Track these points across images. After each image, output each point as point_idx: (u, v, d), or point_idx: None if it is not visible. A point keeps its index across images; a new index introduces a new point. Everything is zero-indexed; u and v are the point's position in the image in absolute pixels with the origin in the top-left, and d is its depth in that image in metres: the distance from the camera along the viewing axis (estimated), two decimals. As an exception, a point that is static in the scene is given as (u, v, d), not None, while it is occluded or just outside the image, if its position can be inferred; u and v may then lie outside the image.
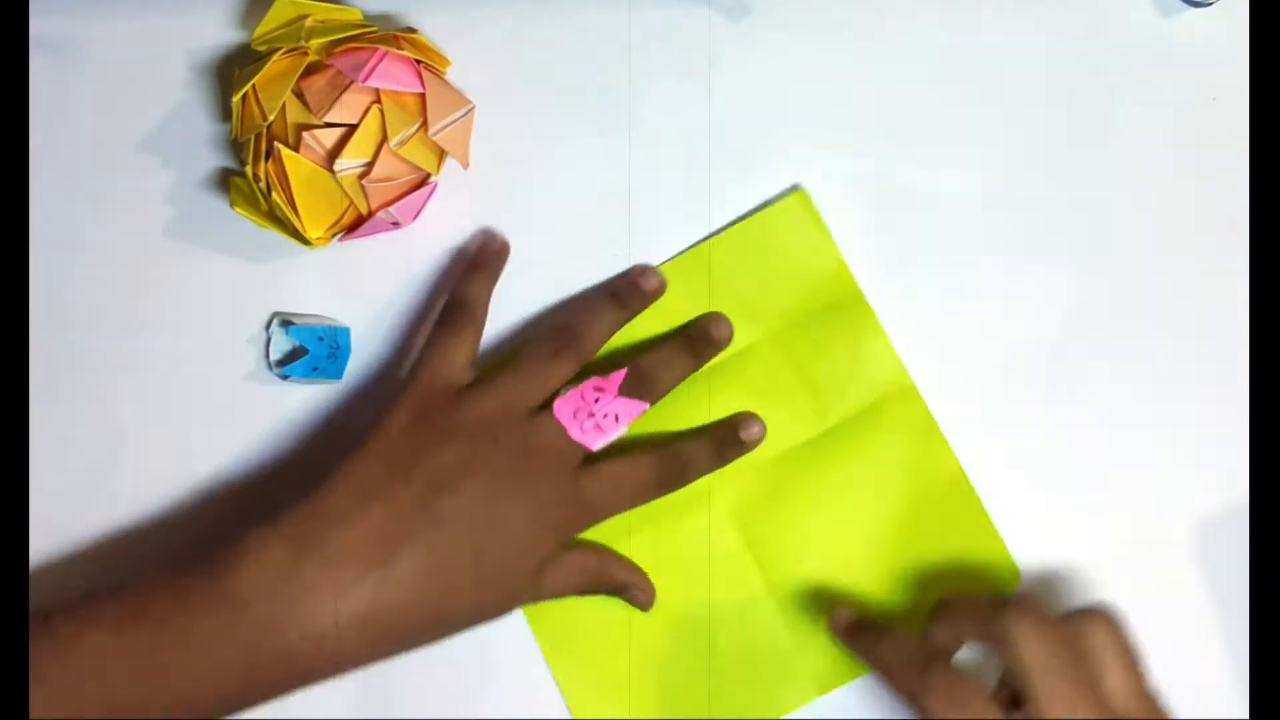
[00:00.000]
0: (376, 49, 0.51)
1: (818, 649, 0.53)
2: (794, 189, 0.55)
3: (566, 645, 0.54)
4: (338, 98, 0.51)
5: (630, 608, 0.53)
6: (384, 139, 0.51)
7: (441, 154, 0.54)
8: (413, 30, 0.54)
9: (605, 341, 0.53)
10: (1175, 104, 0.56)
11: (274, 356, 0.55)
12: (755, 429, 0.53)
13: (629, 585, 0.53)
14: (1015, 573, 0.54)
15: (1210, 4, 0.56)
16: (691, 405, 0.54)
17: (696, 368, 0.53)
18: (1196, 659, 0.54)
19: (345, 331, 0.55)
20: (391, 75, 0.51)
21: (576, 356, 0.51)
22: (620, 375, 0.51)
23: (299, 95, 0.51)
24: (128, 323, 0.55)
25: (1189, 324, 0.55)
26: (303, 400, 0.55)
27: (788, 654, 0.54)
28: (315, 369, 0.54)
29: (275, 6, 0.52)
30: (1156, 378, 0.55)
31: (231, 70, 0.55)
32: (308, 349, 0.54)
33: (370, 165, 0.51)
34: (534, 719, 0.54)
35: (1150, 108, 0.56)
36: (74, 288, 0.55)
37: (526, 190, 0.56)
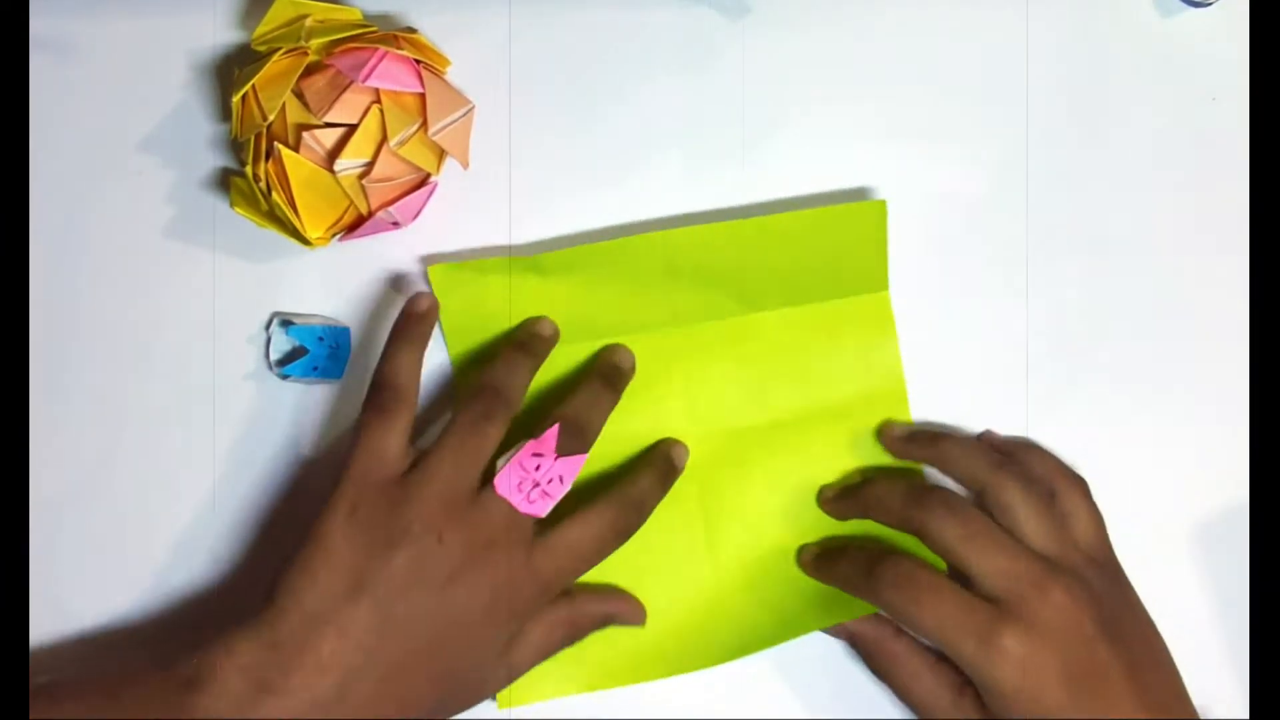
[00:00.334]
0: (376, 49, 0.51)
1: (756, 605, 0.54)
2: (870, 195, 0.55)
3: None
4: (338, 98, 0.51)
5: None
6: (384, 139, 0.51)
7: (441, 154, 0.54)
8: (412, 30, 0.54)
9: (525, 392, 0.52)
10: (1175, 104, 0.56)
11: (274, 356, 0.55)
12: (685, 456, 0.54)
13: (611, 616, 0.52)
14: None
15: (1210, 4, 0.56)
16: (676, 366, 0.55)
17: (617, 401, 0.53)
18: (1196, 659, 0.54)
19: (345, 331, 0.55)
20: (391, 75, 0.51)
21: (504, 414, 0.50)
22: (553, 432, 0.50)
23: (299, 95, 0.51)
24: (128, 323, 0.55)
25: (1189, 324, 0.55)
26: (303, 400, 0.55)
27: (721, 609, 0.54)
28: (315, 369, 0.54)
29: (275, 6, 0.52)
30: (1156, 378, 0.55)
31: (231, 70, 0.55)
32: (308, 349, 0.54)
33: (370, 165, 0.51)
34: (534, 719, 0.54)
35: (1150, 108, 0.56)
36: (74, 288, 0.55)
37: (526, 190, 0.56)
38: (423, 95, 0.52)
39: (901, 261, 0.55)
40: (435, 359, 0.55)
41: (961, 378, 0.55)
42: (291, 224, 0.52)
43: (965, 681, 0.49)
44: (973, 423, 0.55)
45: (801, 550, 0.54)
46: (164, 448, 0.55)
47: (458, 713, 0.49)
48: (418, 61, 0.52)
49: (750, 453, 0.55)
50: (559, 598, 0.51)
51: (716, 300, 0.54)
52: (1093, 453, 0.54)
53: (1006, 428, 0.55)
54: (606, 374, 0.54)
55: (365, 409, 0.50)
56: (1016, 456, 0.53)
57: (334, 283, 0.55)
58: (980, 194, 0.56)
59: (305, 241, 0.52)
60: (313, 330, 0.54)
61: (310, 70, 0.51)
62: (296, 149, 0.51)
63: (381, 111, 0.51)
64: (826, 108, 0.56)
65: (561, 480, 0.49)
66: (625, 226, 0.55)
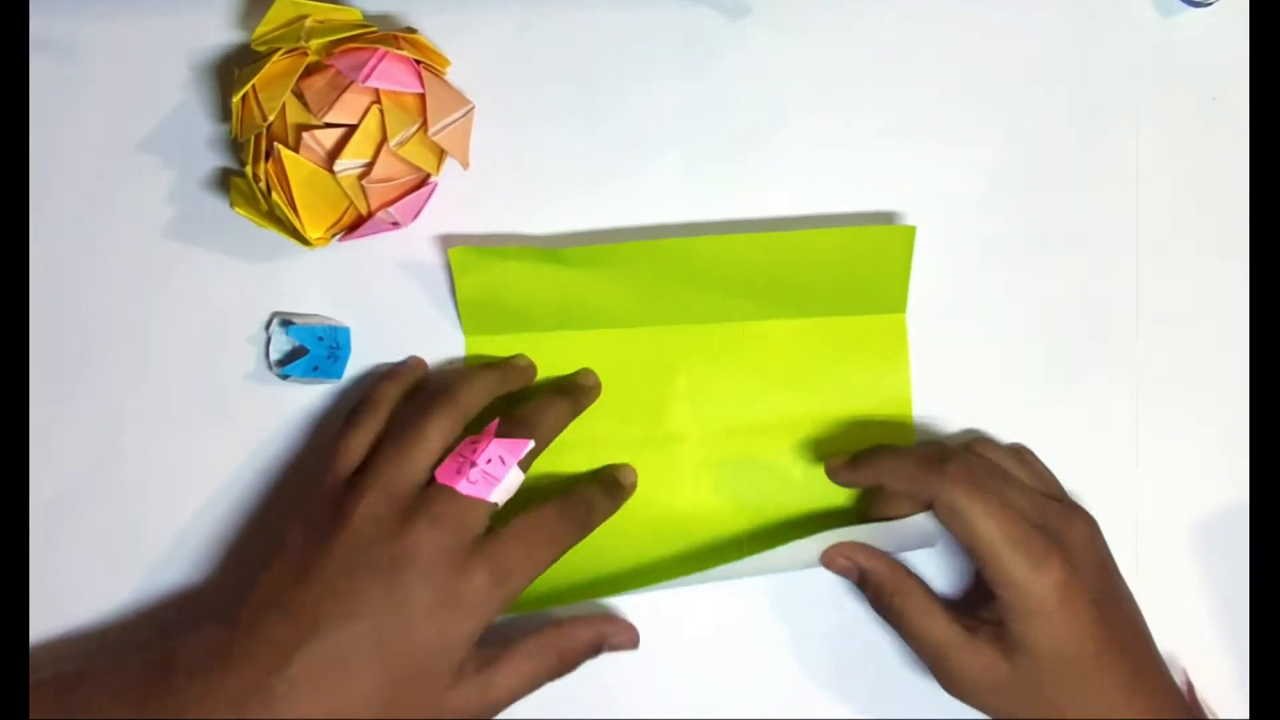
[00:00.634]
0: (376, 49, 0.51)
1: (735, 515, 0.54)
2: (898, 219, 0.55)
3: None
4: (338, 98, 0.51)
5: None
6: (384, 139, 0.51)
7: (441, 154, 0.54)
8: (413, 30, 0.54)
9: (481, 401, 0.51)
10: (1175, 104, 0.56)
11: (274, 356, 0.55)
12: (631, 476, 0.54)
13: (603, 639, 0.52)
14: None
15: (1210, 4, 0.56)
16: (683, 364, 0.55)
17: (574, 411, 0.53)
18: (1196, 659, 0.54)
19: (345, 331, 0.55)
20: (391, 75, 0.51)
21: (450, 413, 0.50)
22: (493, 426, 0.50)
23: (299, 95, 0.51)
24: (128, 323, 0.55)
25: (1189, 324, 0.55)
26: (303, 400, 0.55)
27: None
28: (315, 369, 0.54)
29: (275, 7, 0.52)
30: (1156, 377, 0.55)
31: (231, 70, 0.56)
32: (308, 349, 0.54)
33: (370, 165, 0.51)
34: (534, 719, 0.54)
35: (1150, 108, 0.56)
36: (74, 288, 0.55)
37: (526, 190, 0.56)
38: (423, 95, 0.52)
39: (901, 261, 0.55)
40: (445, 350, 0.55)
41: (961, 377, 0.55)
42: (291, 224, 0.52)
43: (979, 622, 0.49)
44: (970, 422, 0.55)
45: (830, 460, 0.52)
46: (164, 448, 0.55)
47: (417, 715, 0.48)
48: (418, 62, 0.52)
49: (749, 450, 0.55)
50: (547, 628, 0.50)
51: (732, 304, 0.54)
52: (1093, 453, 0.54)
53: (1005, 427, 0.55)
54: (564, 386, 0.54)
55: (343, 424, 0.52)
56: (972, 447, 0.52)
57: (334, 283, 0.55)
58: (980, 194, 0.56)
59: (305, 241, 0.52)
60: (313, 330, 0.54)
61: (310, 70, 0.51)
62: (296, 149, 0.51)
63: (381, 112, 0.51)
64: (826, 108, 0.56)
65: (503, 461, 0.49)
66: (626, 229, 0.55)
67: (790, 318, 0.55)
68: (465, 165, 0.54)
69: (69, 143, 0.56)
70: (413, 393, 0.53)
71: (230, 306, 0.55)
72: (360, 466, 0.50)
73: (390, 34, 0.53)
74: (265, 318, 0.55)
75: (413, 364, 0.55)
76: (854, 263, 0.53)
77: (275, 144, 0.51)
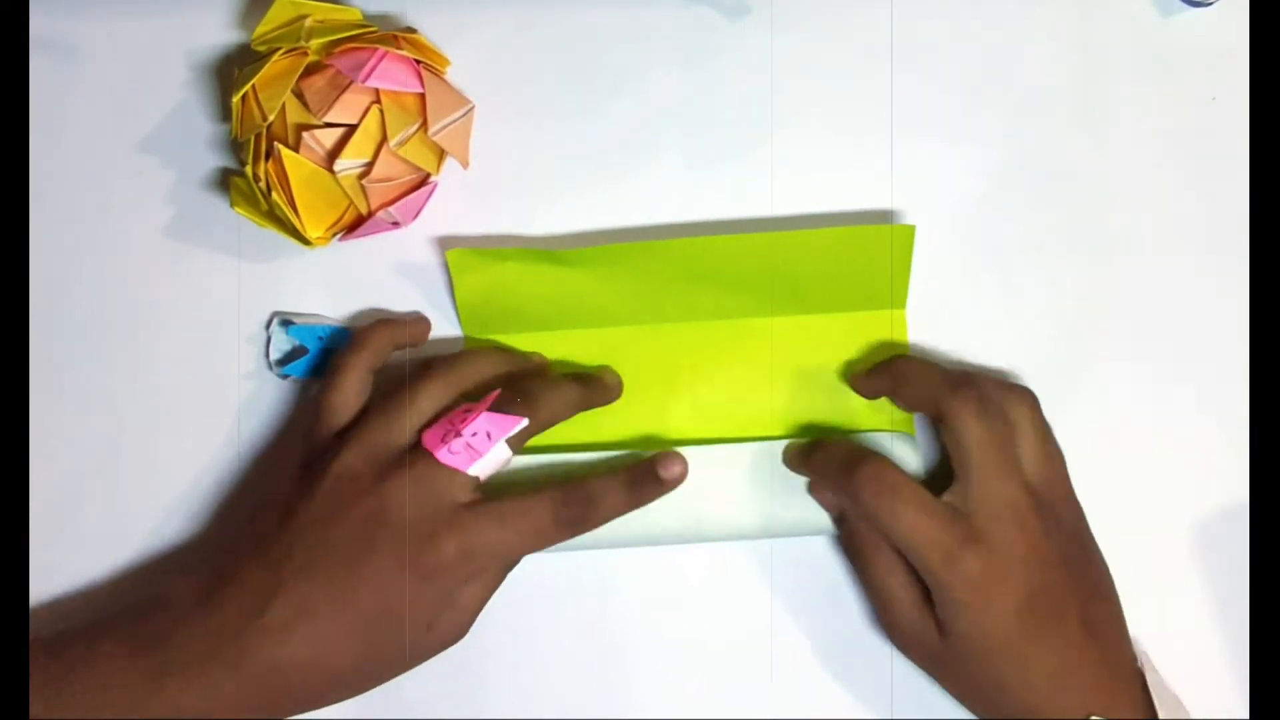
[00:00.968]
0: (376, 49, 0.51)
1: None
2: (897, 218, 0.55)
3: None
4: (337, 98, 0.51)
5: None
6: (384, 139, 0.51)
7: (441, 154, 0.54)
8: (412, 30, 0.54)
9: (483, 376, 0.51)
10: (1175, 104, 0.56)
11: (274, 356, 0.55)
12: (677, 468, 0.51)
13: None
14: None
15: (1210, 4, 0.56)
16: (684, 361, 0.55)
17: (583, 401, 0.52)
18: (1196, 659, 0.54)
19: (345, 331, 0.55)
20: (391, 75, 0.51)
21: (447, 378, 0.50)
22: (492, 397, 0.49)
23: (299, 95, 0.51)
24: (128, 323, 0.55)
25: (1189, 324, 0.55)
26: (302, 400, 0.55)
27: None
28: (315, 369, 0.54)
29: (275, 6, 0.52)
30: (1156, 377, 0.55)
31: (231, 70, 0.56)
32: (308, 349, 0.54)
33: (370, 165, 0.51)
34: (534, 719, 0.54)
35: (1150, 108, 0.56)
36: (74, 288, 0.55)
37: (526, 190, 0.56)
38: (423, 95, 0.52)
39: (901, 261, 0.55)
40: (445, 351, 0.55)
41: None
42: (291, 224, 0.52)
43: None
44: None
45: (788, 446, 0.53)
46: (164, 447, 0.55)
47: (390, 673, 0.49)
48: (418, 61, 0.52)
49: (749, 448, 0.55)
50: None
51: (733, 302, 0.54)
52: (1093, 453, 0.54)
53: (1006, 428, 0.55)
54: (583, 376, 0.53)
55: (326, 372, 0.52)
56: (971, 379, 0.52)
57: (334, 283, 0.55)
58: (979, 194, 0.56)
59: (305, 241, 0.52)
60: (313, 330, 0.54)
61: (310, 70, 0.51)
62: (296, 149, 0.51)
63: (381, 111, 0.51)
64: (826, 107, 0.56)
65: (489, 437, 0.48)
66: (626, 229, 0.55)
67: (791, 314, 0.55)
68: (465, 165, 0.54)
69: (69, 143, 0.56)
70: (418, 362, 0.52)
71: (230, 306, 0.55)
72: (355, 424, 0.50)
73: (390, 34, 0.53)
74: (265, 318, 0.55)
75: (413, 318, 0.55)
76: (854, 261, 0.53)
77: (275, 144, 0.51)
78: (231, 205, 0.53)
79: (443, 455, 0.48)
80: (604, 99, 0.56)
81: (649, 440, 0.55)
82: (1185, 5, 0.56)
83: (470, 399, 0.50)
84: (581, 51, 0.56)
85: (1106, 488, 0.54)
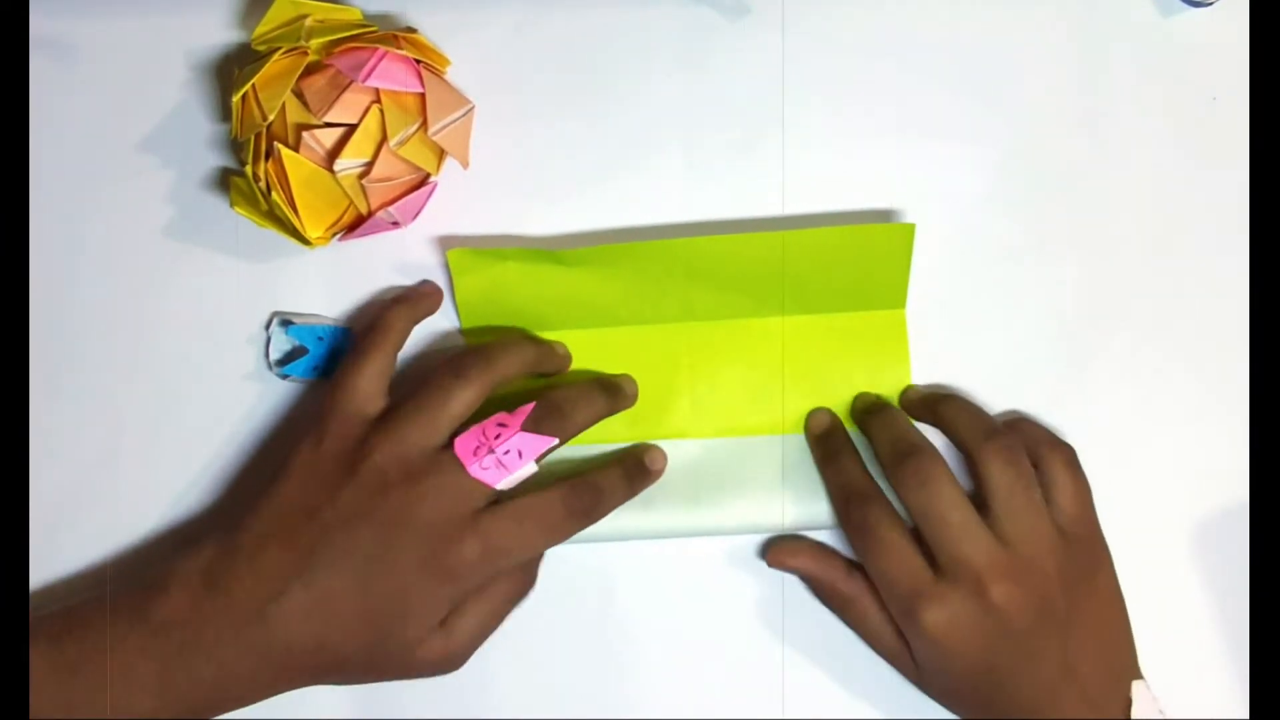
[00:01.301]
0: (376, 49, 0.51)
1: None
2: (896, 216, 0.55)
3: None
4: (337, 97, 0.51)
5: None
6: (384, 139, 0.51)
7: (441, 154, 0.54)
8: (412, 30, 0.54)
9: (515, 373, 0.52)
10: (1175, 104, 0.56)
11: (274, 356, 0.55)
12: (661, 462, 0.54)
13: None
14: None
15: (1210, 4, 0.56)
16: (684, 361, 0.55)
17: (608, 412, 0.53)
18: (1196, 659, 0.54)
19: (345, 331, 0.55)
20: (391, 75, 0.51)
21: (481, 379, 0.50)
22: (526, 409, 0.50)
23: (299, 95, 0.51)
24: (128, 323, 0.55)
25: (1189, 323, 0.55)
26: (303, 400, 0.55)
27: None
28: (315, 369, 0.54)
29: (275, 6, 0.52)
30: (1156, 378, 0.55)
31: (231, 70, 0.56)
32: (308, 349, 0.54)
33: (370, 165, 0.51)
34: (534, 719, 0.54)
35: (1150, 107, 0.56)
36: (74, 288, 0.55)
37: (526, 190, 0.56)
38: (423, 95, 0.52)
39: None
40: (451, 342, 0.55)
41: (961, 375, 0.55)
42: (291, 224, 0.52)
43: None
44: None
45: (910, 390, 0.55)
46: (164, 448, 0.55)
47: (388, 673, 0.50)
48: (418, 61, 0.52)
49: (750, 447, 0.55)
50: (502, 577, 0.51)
51: (733, 302, 0.54)
52: (1093, 452, 0.54)
53: (1006, 428, 0.55)
54: (606, 383, 0.54)
55: (350, 350, 0.52)
56: (1013, 426, 0.53)
57: (334, 283, 0.55)
58: (980, 194, 0.56)
59: (305, 241, 0.52)
60: (313, 330, 0.54)
61: (310, 70, 0.51)
62: (296, 149, 0.51)
63: (381, 111, 0.51)
64: (826, 107, 0.56)
65: (520, 455, 0.49)
66: (626, 229, 0.55)
67: (791, 314, 0.55)
68: (465, 165, 0.54)
69: (69, 143, 0.56)
70: (453, 360, 0.52)
71: (230, 306, 0.55)
72: (381, 414, 0.50)
73: (390, 33, 0.53)
74: (265, 318, 0.55)
75: (425, 290, 0.54)
76: (854, 260, 0.53)
77: (275, 143, 0.51)
78: (231, 205, 0.53)
79: (474, 470, 0.49)
80: (604, 99, 0.56)
81: (650, 439, 0.55)
82: (1185, 5, 0.56)
83: (502, 399, 0.51)
84: (581, 51, 0.56)
85: (1107, 488, 0.54)
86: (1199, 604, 0.54)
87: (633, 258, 0.52)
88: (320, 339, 0.54)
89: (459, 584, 0.49)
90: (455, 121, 0.53)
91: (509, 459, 0.49)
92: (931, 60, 0.56)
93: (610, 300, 0.54)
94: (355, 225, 0.53)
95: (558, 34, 0.56)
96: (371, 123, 0.51)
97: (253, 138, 0.51)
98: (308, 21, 0.52)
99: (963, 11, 0.56)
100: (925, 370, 0.55)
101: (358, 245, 0.55)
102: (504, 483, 0.49)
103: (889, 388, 0.55)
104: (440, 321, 0.55)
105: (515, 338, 0.53)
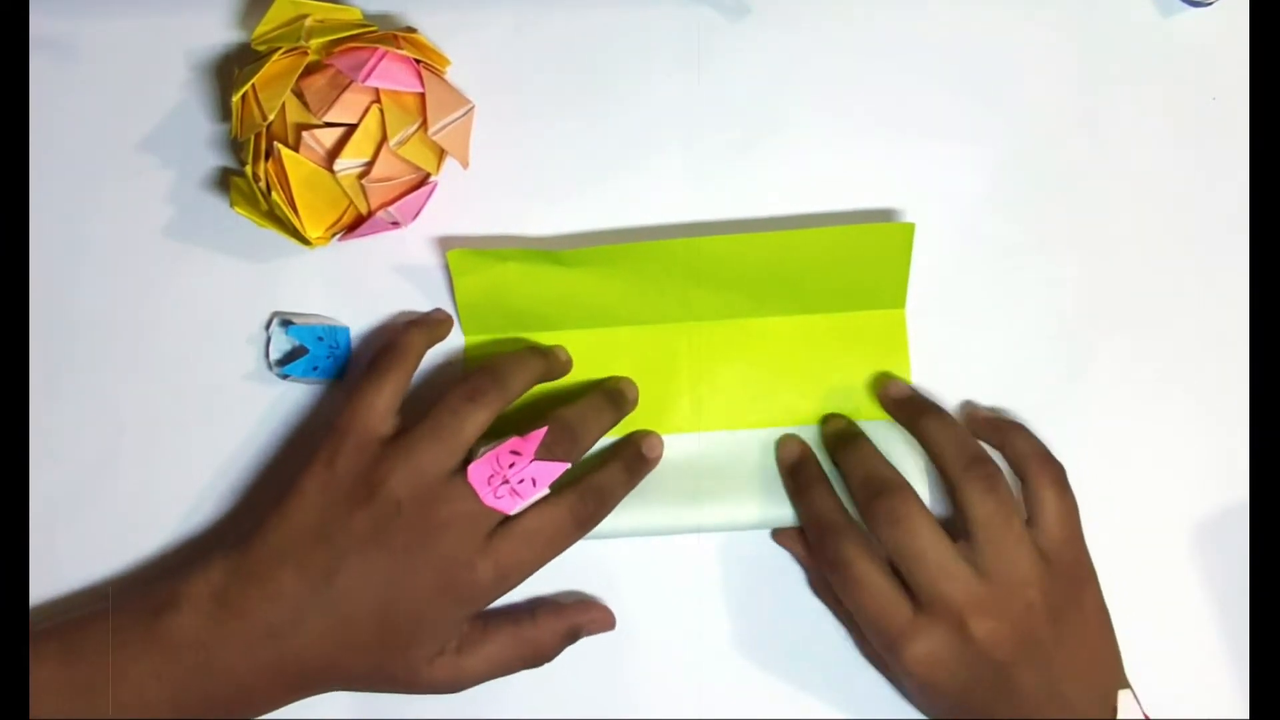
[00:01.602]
0: (376, 49, 0.51)
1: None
2: (896, 216, 0.55)
3: None
4: (337, 97, 0.51)
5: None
6: (384, 139, 0.51)
7: (441, 153, 0.54)
8: (412, 30, 0.54)
9: (525, 389, 0.52)
10: (1175, 103, 0.56)
11: (274, 356, 0.55)
12: (659, 448, 0.54)
13: (578, 629, 0.53)
14: None
15: (1210, 4, 0.56)
16: (684, 361, 0.55)
17: (616, 423, 0.54)
18: (1196, 659, 0.54)
19: (345, 331, 0.55)
20: (391, 75, 0.51)
21: (495, 402, 0.50)
22: (539, 435, 0.50)
23: (299, 95, 0.51)
24: (128, 323, 0.55)
25: (1189, 323, 0.55)
26: (303, 400, 0.55)
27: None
28: (315, 369, 0.54)
29: (275, 6, 0.52)
30: (1156, 377, 0.55)
31: (231, 70, 0.56)
32: (308, 349, 0.54)
33: (370, 165, 0.51)
34: (534, 719, 0.54)
35: (1151, 107, 0.56)
36: (74, 288, 0.55)
37: (526, 190, 0.56)
38: (423, 95, 0.52)
39: (901, 261, 0.55)
40: (446, 351, 0.55)
41: (960, 375, 0.55)
42: (291, 224, 0.52)
43: None
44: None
45: (893, 383, 0.55)
46: (164, 448, 0.55)
47: (392, 688, 0.50)
48: (417, 61, 0.52)
49: (750, 446, 0.55)
50: (523, 618, 0.52)
51: (733, 301, 0.54)
52: (1093, 453, 0.54)
53: (1006, 428, 0.55)
54: (612, 394, 0.54)
55: (365, 370, 0.51)
56: (1005, 435, 0.53)
57: (334, 283, 0.55)
58: (980, 194, 0.56)
59: (305, 241, 0.52)
60: (312, 330, 0.54)
61: (310, 70, 0.51)
62: (296, 149, 0.51)
63: (381, 111, 0.51)
64: (826, 107, 0.56)
65: (534, 483, 0.49)
66: (626, 229, 0.55)
67: (791, 314, 0.55)
68: (465, 165, 0.54)
69: (69, 143, 0.56)
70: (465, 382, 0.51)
71: (230, 306, 0.55)
72: (394, 436, 0.50)
73: (390, 33, 0.53)
74: (265, 318, 0.55)
75: (438, 317, 0.54)
76: (854, 259, 0.53)
77: (275, 143, 0.51)
78: (231, 205, 0.53)
79: (488, 499, 0.49)
80: (604, 99, 0.56)
81: None
82: (1185, 5, 0.56)
83: (512, 419, 0.51)
84: (581, 51, 0.56)
85: (1107, 488, 0.54)
86: (1199, 604, 0.54)
87: (633, 258, 0.52)
88: (320, 339, 0.54)
89: (473, 606, 0.49)
90: (455, 121, 0.53)
91: (523, 487, 0.49)
92: (931, 60, 0.56)
93: (610, 300, 0.54)
94: (355, 225, 0.53)
95: (558, 34, 0.56)
96: (371, 122, 0.51)
97: (253, 137, 0.51)
98: (308, 21, 0.52)
99: (963, 11, 0.56)
100: (925, 370, 0.55)
101: (358, 245, 0.55)
102: (517, 509, 0.49)
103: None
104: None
105: (523, 352, 0.53)
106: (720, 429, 0.55)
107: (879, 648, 0.50)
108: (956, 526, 0.50)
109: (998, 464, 0.50)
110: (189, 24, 0.56)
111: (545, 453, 0.50)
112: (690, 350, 0.55)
